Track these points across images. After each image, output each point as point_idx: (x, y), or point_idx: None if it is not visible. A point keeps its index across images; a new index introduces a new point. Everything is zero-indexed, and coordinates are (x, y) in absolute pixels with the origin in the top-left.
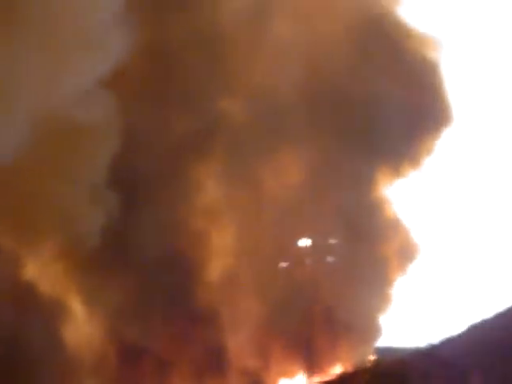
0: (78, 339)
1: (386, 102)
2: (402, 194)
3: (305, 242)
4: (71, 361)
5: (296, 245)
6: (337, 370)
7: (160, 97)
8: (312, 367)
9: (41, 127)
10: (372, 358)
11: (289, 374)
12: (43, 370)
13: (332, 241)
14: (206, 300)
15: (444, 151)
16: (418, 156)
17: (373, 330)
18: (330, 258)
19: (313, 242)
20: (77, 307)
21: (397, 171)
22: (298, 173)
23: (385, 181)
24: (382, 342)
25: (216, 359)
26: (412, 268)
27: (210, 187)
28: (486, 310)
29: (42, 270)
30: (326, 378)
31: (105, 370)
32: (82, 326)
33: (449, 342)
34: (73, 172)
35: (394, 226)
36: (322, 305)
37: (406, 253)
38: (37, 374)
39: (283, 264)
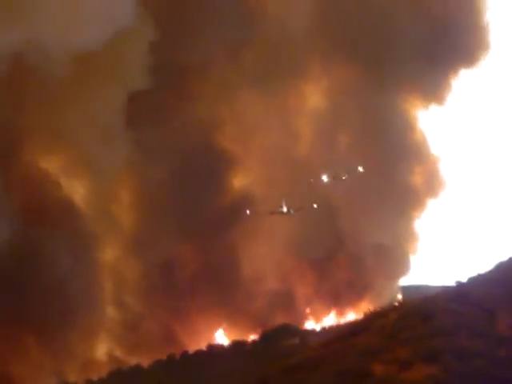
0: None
1: (407, 32)
2: (432, 128)
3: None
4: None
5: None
6: (364, 309)
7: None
8: (340, 306)
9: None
10: (399, 296)
11: (317, 313)
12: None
13: (356, 168)
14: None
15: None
16: (441, 89)
17: (399, 266)
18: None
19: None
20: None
21: (422, 102)
22: (321, 94)
23: (412, 110)
24: (409, 280)
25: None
26: (439, 203)
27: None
28: None
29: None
30: (354, 318)
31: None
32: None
33: (476, 281)
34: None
35: (422, 152)
36: (344, 236)
37: (432, 185)
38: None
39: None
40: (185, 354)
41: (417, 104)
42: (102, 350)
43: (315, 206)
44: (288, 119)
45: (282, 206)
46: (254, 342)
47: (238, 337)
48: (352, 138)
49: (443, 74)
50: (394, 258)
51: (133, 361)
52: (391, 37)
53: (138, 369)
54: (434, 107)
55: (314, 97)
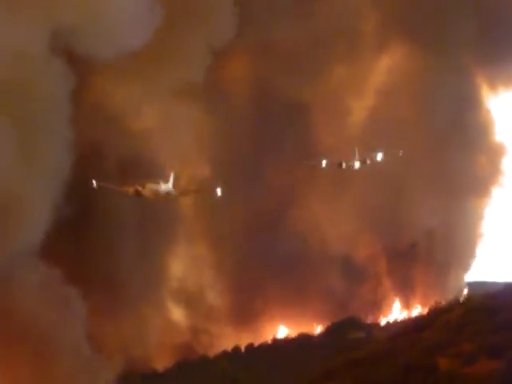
0: None
1: None
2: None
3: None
4: None
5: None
6: (430, 304)
7: None
8: (407, 300)
9: None
10: (464, 292)
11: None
12: None
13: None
14: None
15: None
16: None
17: (465, 261)
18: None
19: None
20: None
21: (489, 86)
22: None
23: (479, 92)
24: (475, 276)
25: None
26: (506, 196)
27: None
28: None
29: None
30: (420, 312)
31: None
32: None
33: None
34: None
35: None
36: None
37: (496, 174)
38: None
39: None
40: (250, 347)
41: (484, 87)
42: (178, 316)
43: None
44: (349, 96)
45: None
46: (319, 334)
47: (304, 328)
48: (414, 115)
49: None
50: (461, 252)
51: (207, 326)
52: (454, 19)
53: (203, 359)
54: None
55: (375, 73)
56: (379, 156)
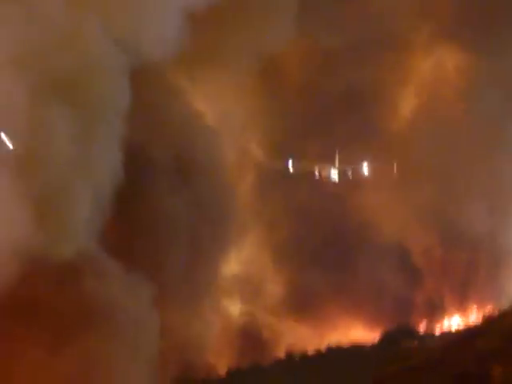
0: None
1: None
2: None
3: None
4: None
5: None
6: (482, 313)
7: None
8: (462, 307)
9: None
10: None
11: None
12: None
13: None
14: None
15: None
16: None
17: None
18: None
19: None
20: None
21: None
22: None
23: None
24: None
25: None
26: None
27: None
28: None
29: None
30: (472, 321)
31: None
32: None
33: None
34: None
35: None
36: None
37: None
38: None
39: None
40: (304, 355)
41: None
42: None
43: None
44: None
45: None
46: (372, 344)
47: (356, 336)
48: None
49: None
50: None
51: (265, 318)
52: (507, 20)
53: (256, 367)
54: None
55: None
56: (364, 167)
